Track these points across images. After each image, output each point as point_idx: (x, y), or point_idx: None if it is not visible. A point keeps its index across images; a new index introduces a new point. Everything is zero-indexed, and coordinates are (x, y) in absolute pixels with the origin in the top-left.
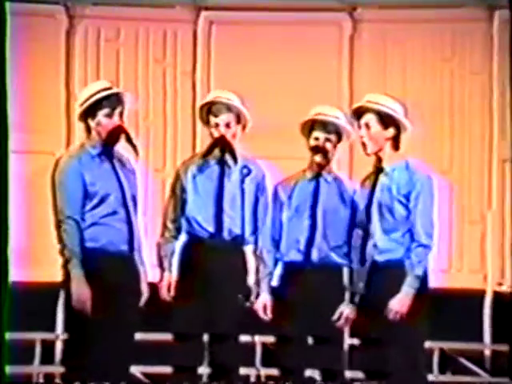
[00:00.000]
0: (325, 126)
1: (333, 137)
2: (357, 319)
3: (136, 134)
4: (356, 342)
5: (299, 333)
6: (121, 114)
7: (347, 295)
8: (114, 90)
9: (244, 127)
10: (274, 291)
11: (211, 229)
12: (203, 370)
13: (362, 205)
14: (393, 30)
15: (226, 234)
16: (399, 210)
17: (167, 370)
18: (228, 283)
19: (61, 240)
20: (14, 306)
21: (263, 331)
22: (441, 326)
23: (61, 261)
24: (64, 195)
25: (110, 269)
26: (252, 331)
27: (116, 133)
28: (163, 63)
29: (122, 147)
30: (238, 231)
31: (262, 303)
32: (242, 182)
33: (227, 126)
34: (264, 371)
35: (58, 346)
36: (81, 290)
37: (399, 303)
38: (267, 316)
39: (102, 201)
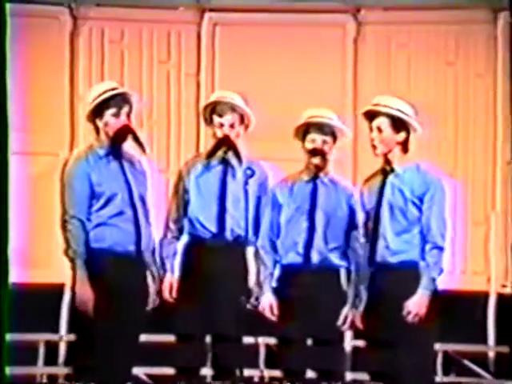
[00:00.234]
0: (321, 128)
1: (329, 138)
2: (368, 320)
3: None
4: (360, 343)
5: (299, 335)
6: (128, 114)
7: (349, 299)
8: (121, 90)
9: (247, 127)
10: (274, 293)
11: (213, 229)
12: (206, 372)
13: (368, 205)
14: (397, 32)
15: (228, 234)
16: (413, 212)
17: (170, 371)
18: (230, 283)
19: (65, 240)
20: (18, 307)
21: (265, 332)
22: (445, 328)
23: (68, 262)
24: (70, 195)
25: (116, 269)
26: (254, 332)
27: (123, 132)
28: (167, 64)
29: (133, 148)
30: (240, 231)
31: (268, 303)
32: (246, 183)
33: (231, 126)
34: (267, 372)
35: (62, 347)
36: (83, 291)
37: (417, 305)
38: (274, 316)
39: (108, 201)
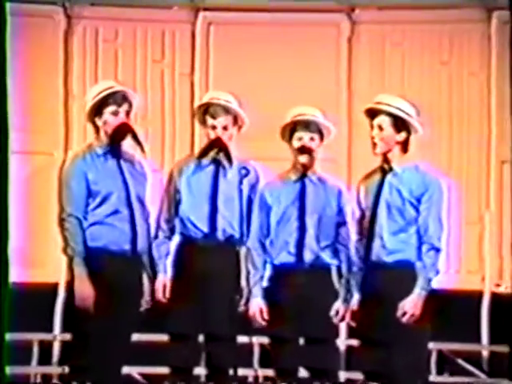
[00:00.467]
0: (307, 125)
1: (316, 135)
2: (361, 320)
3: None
4: (354, 342)
5: (293, 334)
6: (128, 113)
7: (342, 293)
8: (120, 88)
9: (240, 128)
10: (265, 294)
11: (205, 229)
12: (200, 371)
13: (364, 203)
14: (391, 32)
15: (219, 234)
16: (410, 212)
17: (164, 370)
18: (222, 283)
19: (64, 238)
20: (13, 306)
21: (259, 332)
22: (439, 327)
23: (64, 260)
24: (67, 193)
25: (111, 268)
26: (248, 332)
27: (121, 130)
28: (161, 64)
29: (132, 147)
30: (231, 231)
31: (258, 308)
32: (241, 182)
33: (224, 128)
34: (262, 372)
35: (56, 347)
36: (83, 288)
37: (412, 305)
38: (264, 320)
39: (104, 200)
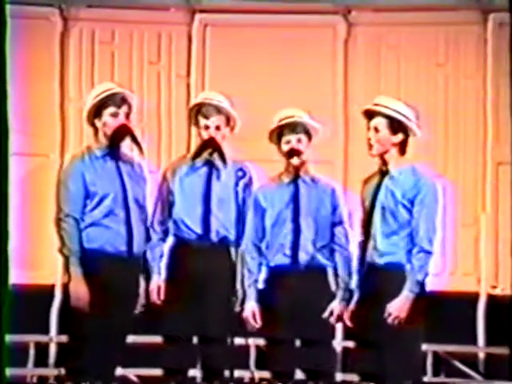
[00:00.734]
0: (293, 127)
1: (303, 136)
2: (355, 321)
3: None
4: (350, 344)
5: (289, 335)
6: (127, 115)
7: (339, 293)
8: (120, 90)
9: (232, 129)
10: (261, 296)
11: (199, 230)
12: (195, 373)
13: (364, 206)
14: (387, 34)
15: (213, 236)
16: (403, 214)
17: (158, 372)
18: (216, 285)
19: (60, 238)
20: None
21: (254, 334)
22: (434, 329)
23: (60, 262)
24: (65, 194)
25: (107, 270)
26: (244, 333)
27: (121, 132)
28: (158, 66)
29: (130, 149)
30: (225, 233)
31: (251, 311)
32: (237, 184)
33: (217, 128)
34: (258, 374)
35: (52, 349)
36: (78, 287)
37: (398, 307)
38: (257, 324)
39: (101, 201)
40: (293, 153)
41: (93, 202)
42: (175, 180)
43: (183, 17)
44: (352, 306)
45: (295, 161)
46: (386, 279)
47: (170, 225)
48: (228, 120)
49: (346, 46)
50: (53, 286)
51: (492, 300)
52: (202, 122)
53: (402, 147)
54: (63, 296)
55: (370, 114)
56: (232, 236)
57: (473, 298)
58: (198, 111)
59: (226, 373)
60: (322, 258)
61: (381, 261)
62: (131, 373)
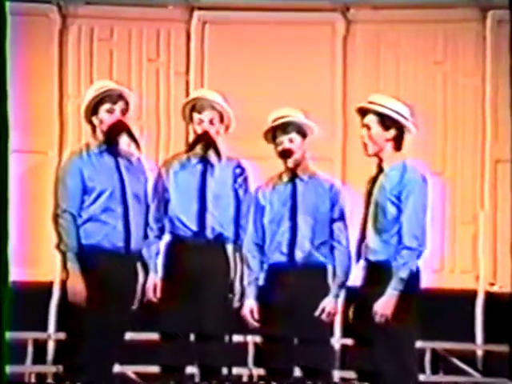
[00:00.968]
0: (284, 128)
1: (294, 136)
2: (351, 319)
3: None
4: (349, 342)
5: (287, 333)
6: (123, 112)
7: (332, 289)
8: (116, 87)
9: (227, 128)
10: (260, 293)
11: (194, 227)
12: (192, 370)
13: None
14: (386, 31)
15: (208, 233)
16: (391, 211)
17: (156, 369)
18: (212, 282)
19: (57, 234)
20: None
21: (253, 331)
22: (433, 326)
23: (58, 259)
24: (62, 190)
25: (104, 266)
26: (242, 330)
27: (116, 127)
28: (156, 63)
29: (128, 145)
30: (220, 229)
31: (249, 309)
32: (235, 181)
33: (211, 122)
34: (256, 371)
35: (51, 346)
36: (75, 283)
37: (383, 306)
38: (255, 321)
39: (98, 196)
40: (285, 153)
41: (90, 198)
42: (170, 177)
43: (182, 14)
44: (344, 302)
45: (289, 162)
46: (377, 277)
47: (166, 222)
48: (222, 117)
49: (344, 43)
50: (51, 283)
51: (490, 298)
52: (196, 116)
53: (397, 143)
54: (61, 293)
55: (363, 112)
56: (227, 233)
57: (471, 296)
58: (192, 108)
59: (224, 370)
60: (319, 256)
61: (373, 258)
62: (129, 370)
